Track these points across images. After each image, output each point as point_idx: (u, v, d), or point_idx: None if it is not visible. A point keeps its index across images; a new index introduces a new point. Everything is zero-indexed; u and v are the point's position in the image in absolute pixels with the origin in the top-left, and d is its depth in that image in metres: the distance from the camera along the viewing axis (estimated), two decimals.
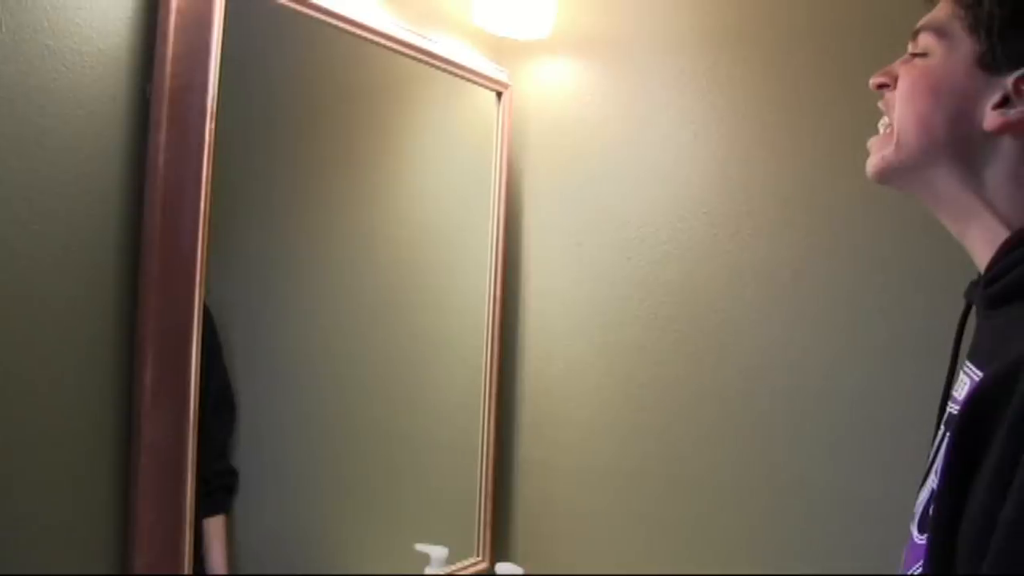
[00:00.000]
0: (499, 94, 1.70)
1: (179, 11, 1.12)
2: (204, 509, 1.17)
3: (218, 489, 1.25)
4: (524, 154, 1.74)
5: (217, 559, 1.23)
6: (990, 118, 0.73)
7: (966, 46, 0.75)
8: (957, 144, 0.76)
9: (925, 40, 0.78)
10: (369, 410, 1.52)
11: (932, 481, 0.73)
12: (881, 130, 0.83)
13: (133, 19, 1.11)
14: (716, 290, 1.55)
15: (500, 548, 1.71)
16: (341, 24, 1.35)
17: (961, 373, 0.77)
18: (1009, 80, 0.72)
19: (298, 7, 1.27)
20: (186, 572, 1.11)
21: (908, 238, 1.38)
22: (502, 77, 1.69)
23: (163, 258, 1.10)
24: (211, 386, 1.16)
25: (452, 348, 1.67)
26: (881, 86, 0.83)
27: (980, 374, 0.70)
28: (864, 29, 1.42)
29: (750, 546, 1.49)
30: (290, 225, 1.39)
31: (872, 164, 0.82)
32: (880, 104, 0.83)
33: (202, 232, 1.12)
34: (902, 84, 0.80)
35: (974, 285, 0.80)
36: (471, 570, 1.65)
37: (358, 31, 1.38)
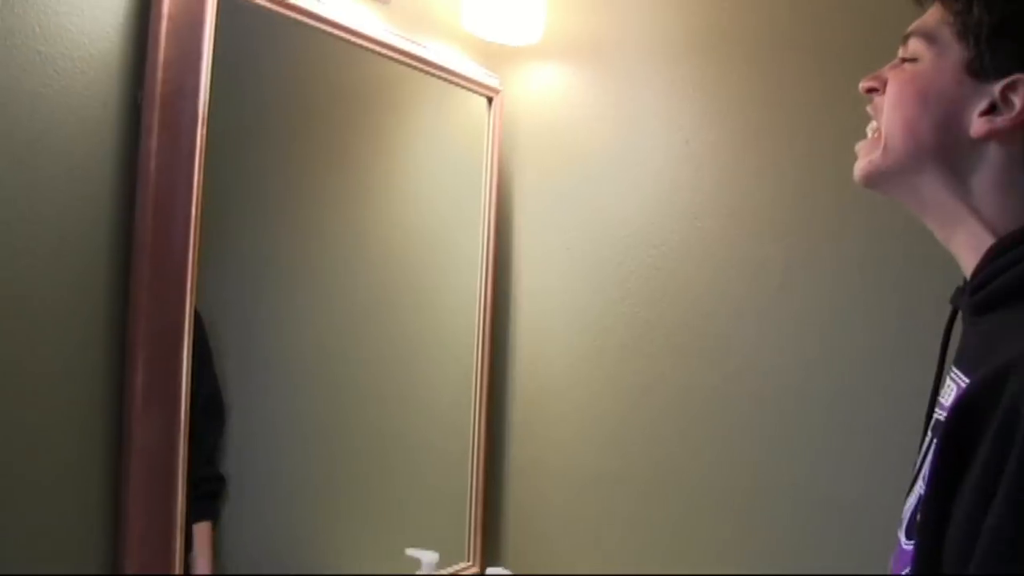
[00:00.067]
0: (490, 99, 1.70)
1: (170, 17, 1.13)
2: (191, 515, 1.17)
3: (205, 495, 1.24)
4: (515, 159, 1.75)
5: (203, 566, 1.23)
6: (977, 125, 0.74)
7: (955, 52, 0.76)
8: (944, 150, 0.76)
9: (915, 45, 0.79)
10: (359, 414, 1.52)
11: (920, 487, 0.73)
12: (869, 134, 0.84)
13: (124, 24, 1.11)
14: (705, 294, 1.56)
15: (491, 552, 1.72)
16: (332, 30, 1.35)
17: (948, 379, 0.77)
18: (996, 87, 0.73)
19: (289, 13, 1.28)
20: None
21: (896, 243, 1.39)
22: (493, 82, 1.70)
23: (154, 262, 1.10)
24: (200, 390, 1.16)
25: (443, 351, 1.68)
26: (870, 90, 0.83)
27: (967, 380, 0.70)
28: (854, 34, 1.43)
29: (739, 548, 1.50)
30: (281, 229, 1.39)
31: (859, 168, 0.83)
32: (868, 108, 0.84)
33: (193, 236, 1.12)
34: (891, 89, 0.80)
35: (960, 291, 0.80)
36: (462, 574, 1.65)
37: (349, 37, 1.39)
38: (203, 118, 1.13)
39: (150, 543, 1.10)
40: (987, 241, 0.75)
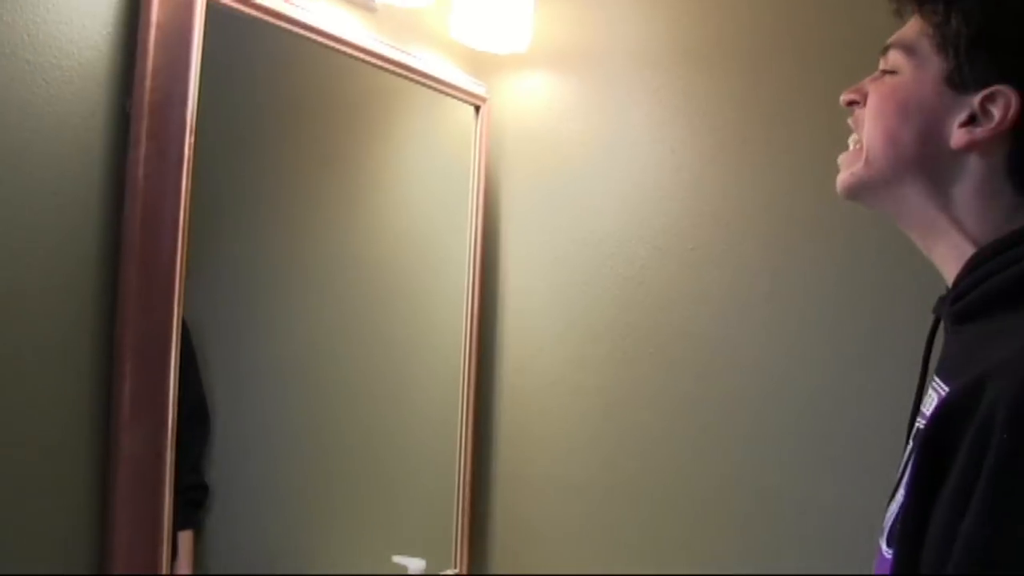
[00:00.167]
0: (477, 108, 1.71)
1: (159, 25, 1.13)
2: (175, 523, 1.17)
3: (187, 503, 1.24)
4: (502, 167, 1.75)
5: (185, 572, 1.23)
6: (957, 135, 0.75)
7: (934, 64, 0.77)
8: (925, 161, 0.77)
9: (894, 57, 0.80)
10: (345, 421, 1.52)
11: (901, 495, 0.74)
12: (851, 146, 0.85)
13: (113, 34, 1.11)
14: (691, 301, 1.57)
15: (477, 559, 1.72)
16: (320, 39, 1.36)
17: (929, 388, 0.77)
18: (976, 98, 0.74)
19: (277, 22, 1.28)
20: None
21: (882, 250, 1.40)
22: (480, 91, 1.70)
23: (142, 271, 1.10)
24: (185, 398, 1.16)
25: (430, 357, 1.68)
26: (851, 103, 0.84)
27: (947, 389, 0.71)
28: (839, 42, 1.44)
29: (725, 557, 1.51)
30: (267, 237, 1.39)
31: (841, 180, 0.84)
32: (850, 121, 0.85)
33: (181, 245, 1.12)
34: (871, 102, 0.81)
35: (942, 300, 0.81)
36: None
37: (338, 46, 1.39)
38: (191, 127, 1.13)
39: (137, 551, 1.09)
40: (968, 251, 0.75)
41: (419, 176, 1.66)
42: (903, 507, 0.69)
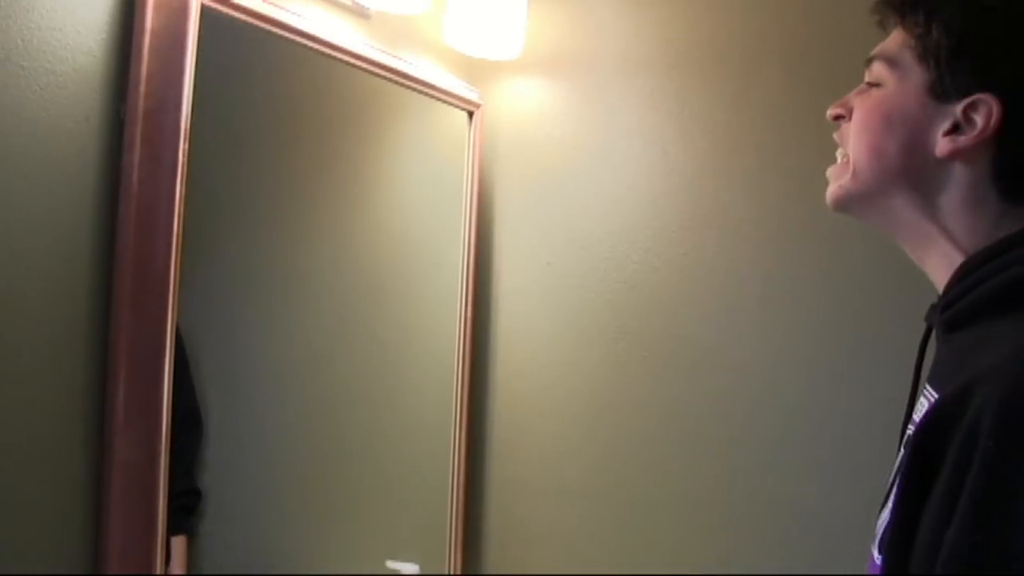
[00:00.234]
0: (470, 114, 1.71)
1: (153, 31, 1.13)
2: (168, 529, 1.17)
3: (180, 509, 1.24)
4: (495, 172, 1.76)
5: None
6: (941, 144, 0.76)
7: (916, 75, 0.77)
8: (911, 171, 0.78)
9: (878, 69, 0.81)
10: (339, 427, 1.52)
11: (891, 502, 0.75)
12: (839, 159, 0.85)
13: (107, 39, 1.11)
14: (684, 306, 1.57)
15: (471, 563, 1.72)
16: (315, 45, 1.36)
17: (921, 396, 0.78)
18: (958, 107, 0.75)
19: (271, 28, 1.28)
20: None
21: (876, 257, 1.40)
22: (473, 97, 1.71)
23: (137, 276, 1.10)
24: (178, 404, 1.16)
25: (423, 363, 1.68)
26: (837, 117, 0.85)
27: (937, 396, 0.71)
28: (832, 48, 1.45)
29: (717, 560, 1.51)
30: (261, 243, 1.39)
31: (830, 193, 0.85)
32: (835, 136, 0.86)
33: (175, 251, 1.12)
34: (856, 115, 0.82)
35: (933, 308, 0.81)
36: None
37: (332, 52, 1.40)
38: (185, 132, 1.13)
39: (131, 555, 1.09)
40: (958, 260, 0.76)
41: (413, 181, 1.66)
42: (892, 513, 0.69)
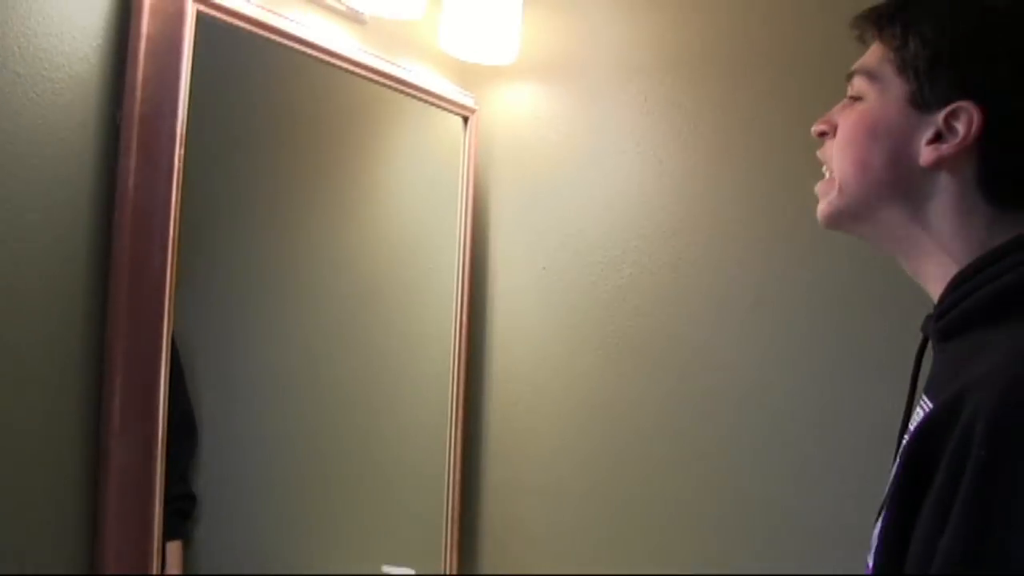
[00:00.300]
0: (465, 119, 1.72)
1: (149, 37, 1.14)
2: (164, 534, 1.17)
3: (175, 514, 1.24)
4: (490, 177, 1.76)
5: None
6: (925, 153, 0.76)
7: (897, 87, 0.78)
8: (898, 183, 0.78)
9: (859, 83, 0.82)
10: (334, 432, 1.52)
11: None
12: (827, 175, 0.86)
13: (103, 45, 1.12)
14: (679, 311, 1.58)
15: (466, 569, 1.72)
16: (310, 50, 1.37)
17: (917, 406, 0.78)
18: (940, 116, 0.75)
19: (266, 33, 1.29)
20: None
21: (871, 260, 1.39)
22: (468, 102, 1.71)
23: (133, 281, 1.11)
24: (173, 409, 1.16)
25: (418, 368, 1.68)
26: (821, 134, 0.86)
27: (931, 405, 0.72)
28: (828, 53, 1.44)
29: (711, 564, 1.51)
30: (257, 248, 1.39)
31: (820, 211, 0.85)
32: (819, 153, 0.87)
33: (171, 256, 1.13)
34: (841, 131, 0.83)
35: (929, 318, 0.81)
36: None
37: (327, 58, 1.40)
38: (181, 137, 1.14)
39: (127, 560, 1.10)
40: (952, 269, 0.76)
41: (408, 187, 1.67)
42: (884, 521, 0.70)
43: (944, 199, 0.77)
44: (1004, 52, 0.75)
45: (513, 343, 1.73)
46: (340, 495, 1.53)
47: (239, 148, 1.36)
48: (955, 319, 0.74)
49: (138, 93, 1.12)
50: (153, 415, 1.11)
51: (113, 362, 1.10)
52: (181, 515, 1.26)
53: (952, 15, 0.77)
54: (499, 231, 1.76)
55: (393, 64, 1.53)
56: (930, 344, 0.82)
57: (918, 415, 0.75)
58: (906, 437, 0.78)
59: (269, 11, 1.29)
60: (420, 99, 1.61)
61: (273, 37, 1.30)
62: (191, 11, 1.16)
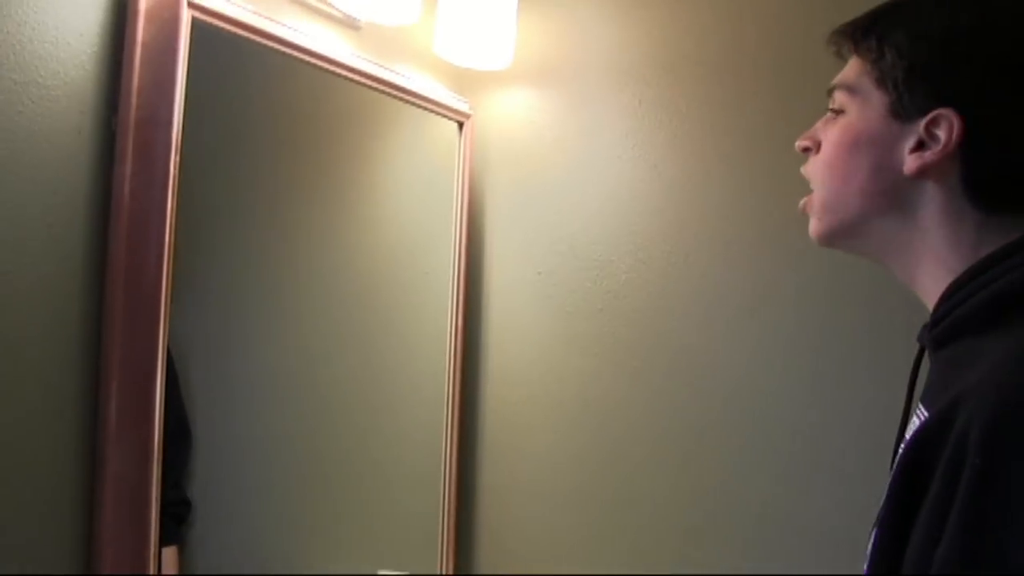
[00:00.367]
0: (460, 124, 1.72)
1: (144, 44, 1.14)
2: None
3: (170, 519, 1.24)
4: (486, 183, 1.77)
5: None
6: (909, 162, 0.77)
7: (877, 98, 0.79)
8: (886, 193, 0.79)
9: (840, 97, 0.83)
10: (330, 436, 1.52)
11: None
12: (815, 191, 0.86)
13: (98, 52, 1.12)
14: (674, 316, 1.58)
15: (463, 570, 1.72)
16: (305, 57, 1.37)
17: (913, 415, 0.78)
18: (920, 125, 0.76)
19: (262, 40, 1.29)
20: None
21: (864, 268, 1.39)
22: (463, 107, 1.72)
23: (128, 288, 1.11)
24: (167, 415, 1.16)
25: (413, 371, 1.69)
26: (805, 150, 0.86)
27: (926, 414, 0.71)
28: (821, 59, 1.45)
29: (706, 564, 1.52)
30: (252, 254, 1.40)
31: (812, 230, 0.86)
32: (803, 170, 0.87)
33: (167, 263, 1.13)
34: (825, 147, 0.83)
35: (925, 328, 0.81)
36: None
37: (322, 64, 1.40)
38: (177, 144, 1.14)
39: (124, 567, 1.10)
40: (945, 277, 0.76)
41: (404, 192, 1.67)
42: (879, 531, 0.70)
43: (932, 207, 0.77)
44: (978, 58, 0.75)
45: (508, 345, 1.73)
46: (335, 498, 1.53)
47: (234, 154, 1.36)
48: (948, 327, 0.74)
49: (133, 99, 1.12)
50: (149, 421, 1.12)
51: (109, 368, 1.10)
52: (177, 520, 1.26)
53: (925, 25, 0.77)
54: (494, 234, 1.76)
55: (388, 69, 1.54)
56: (926, 353, 0.82)
57: (914, 424, 0.75)
58: (902, 447, 0.79)
59: (264, 17, 1.29)
60: (415, 104, 1.61)
61: (268, 43, 1.30)
62: (186, 17, 1.16)
